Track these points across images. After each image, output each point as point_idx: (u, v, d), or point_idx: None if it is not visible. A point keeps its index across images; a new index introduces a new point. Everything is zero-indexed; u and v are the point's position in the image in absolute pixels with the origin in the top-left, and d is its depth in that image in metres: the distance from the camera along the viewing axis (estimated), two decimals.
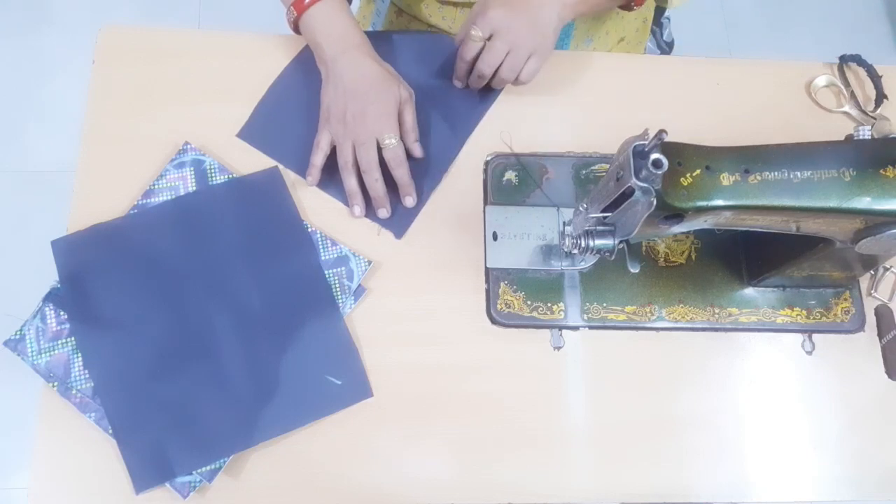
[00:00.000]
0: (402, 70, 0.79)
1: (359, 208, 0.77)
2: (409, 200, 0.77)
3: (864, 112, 0.86)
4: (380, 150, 0.74)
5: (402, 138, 0.76)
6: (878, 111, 0.86)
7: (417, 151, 0.78)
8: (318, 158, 0.77)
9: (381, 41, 0.81)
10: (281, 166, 0.78)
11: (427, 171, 0.79)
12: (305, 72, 0.82)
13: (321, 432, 0.71)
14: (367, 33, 0.79)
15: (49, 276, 0.72)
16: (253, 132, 0.80)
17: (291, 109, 0.81)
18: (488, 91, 0.82)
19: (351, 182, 0.76)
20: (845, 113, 0.86)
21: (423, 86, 0.81)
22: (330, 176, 0.78)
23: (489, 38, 0.74)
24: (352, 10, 0.78)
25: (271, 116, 0.80)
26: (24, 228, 1.57)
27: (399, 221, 0.78)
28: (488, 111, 0.82)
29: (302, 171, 0.78)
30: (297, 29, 0.78)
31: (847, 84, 0.87)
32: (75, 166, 0.77)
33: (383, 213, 0.77)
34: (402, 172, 0.76)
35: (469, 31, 0.75)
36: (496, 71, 0.76)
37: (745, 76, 0.87)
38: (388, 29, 1.00)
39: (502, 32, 0.73)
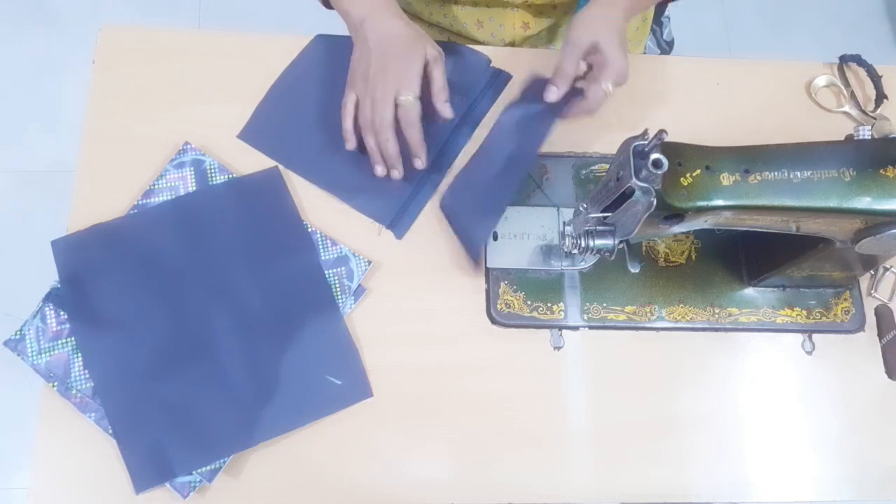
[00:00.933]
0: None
1: (380, 167, 0.75)
2: (418, 162, 0.75)
3: (864, 112, 0.86)
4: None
5: (432, 98, 0.73)
6: (878, 111, 0.86)
7: (447, 112, 0.74)
8: (348, 122, 0.75)
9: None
10: (281, 167, 0.78)
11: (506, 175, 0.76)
12: (307, 72, 0.82)
13: (321, 432, 0.71)
14: None
15: (49, 276, 0.72)
16: (254, 133, 0.80)
17: (293, 110, 0.81)
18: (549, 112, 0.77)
19: (370, 141, 0.74)
20: (845, 113, 0.86)
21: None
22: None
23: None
24: None
25: (272, 117, 0.80)
26: (24, 228, 1.57)
27: (400, 221, 0.78)
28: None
29: (304, 172, 0.78)
30: (326, 2, 0.77)
31: (847, 84, 0.87)
32: (75, 166, 0.77)
33: (396, 174, 0.75)
34: (412, 132, 0.73)
35: (602, 85, 0.72)
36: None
37: (745, 76, 0.87)
38: None
39: (622, 81, 0.72)
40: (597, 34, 0.71)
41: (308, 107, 0.80)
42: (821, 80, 0.87)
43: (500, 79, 0.84)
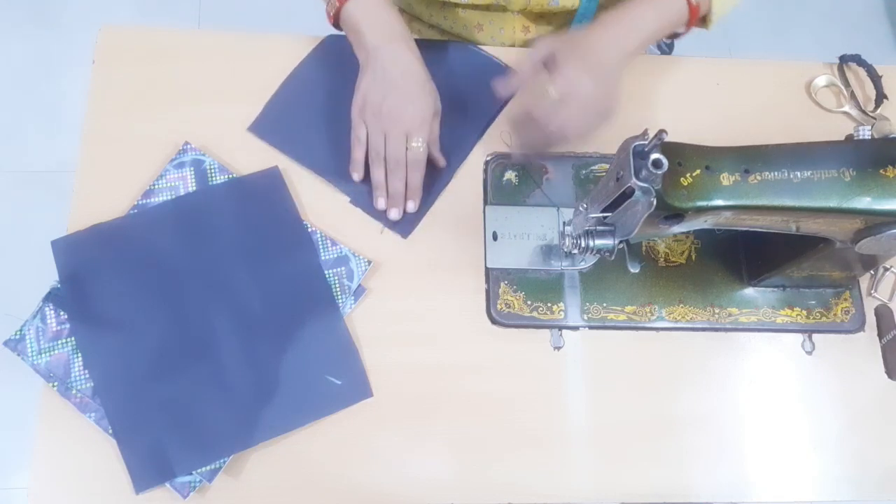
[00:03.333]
0: None
1: (383, 200, 0.76)
2: (412, 205, 0.77)
3: (864, 112, 0.86)
4: None
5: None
6: (878, 111, 0.86)
7: (442, 161, 0.79)
8: (360, 153, 0.76)
9: None
10: (292, 162, 0.78)
11: (437, 173, 0.79)
12: (319, 70, 0.82)
13: (321, 432, 0.71)
14: None
15: (49, 276, 0.72)
16: (265, 127, 0.80)
17: (304, 106, 0.81)
18: (494, 98, 0.81)
19: (379, 174, 0.75)
20: (845, 113, 0.86)
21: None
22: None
23: (559, 97, 0.71)
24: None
25: (284, 111, 0.81)
26: (24, 228, 1.57)
27: (406, 221, 0.78)
28: (496, 117, 0.83)
29: (314, 166, 0.78)
30: (336, 21, 0.76)
31: (847, 84, 0.87)
32: (75, 166, 0.77)
33: (395, 213, 0.77)
34: (418, 176, 0.76)
35: (546, 87, 0.71)
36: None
37: (745, 76, 0.87)
38: None
39: (577, 96, 0.70)
40: (561, 48, 0.72)
41: (319, 103, 0.81)
42: (821, 80, 0.87)
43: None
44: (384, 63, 0.73)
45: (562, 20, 0.90)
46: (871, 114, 0.86)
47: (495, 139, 0.82)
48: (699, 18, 0.77)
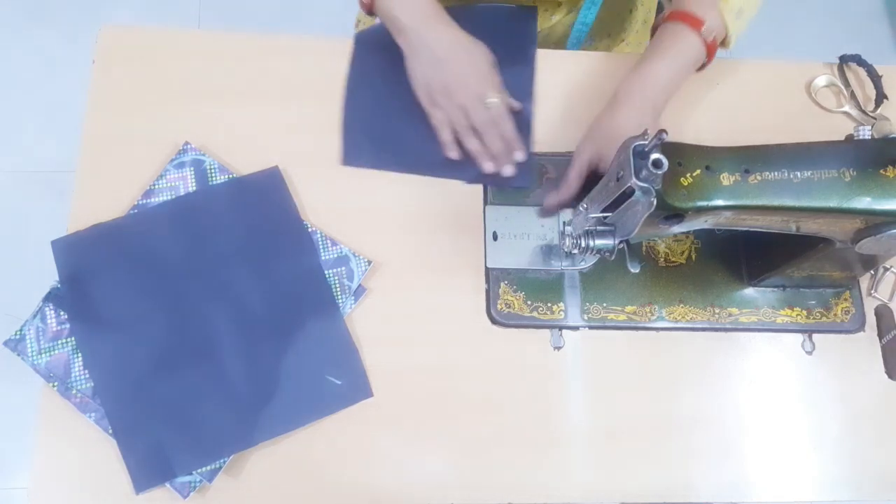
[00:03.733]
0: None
1: (490, 164, 0.77)
2: (520, 155, 0.78)
3: (864, 112, 0.86)
4: None
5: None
6: (879, 111, 0.86)
7: (516, 104, 0.79)
8: (447, 134, 0.77)
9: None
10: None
11: (517, 116, 0.79)
12: (369, 73, 0.82)
13: (321, 432, 0.71)
14: None
15: (49, 276, 0.72)
16: (354, 155, 0.79)
17: (375, 116, 0.81)
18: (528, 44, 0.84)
19: (474, 144, 0.77)
20: (845, 113, 0.86)
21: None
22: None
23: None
24: None
25: (362, 132, 0.80)
26: (24, 228, 1.57)
27: (522, 173, 0.78)
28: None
29: (417, 167, 0.79)
30: (370, 8, 0.77)
31: (847, 84, 0.87)
32: (75, 166, 0.77)
33: (508, 169, 0.77)
34: (509, 126, 0.77)
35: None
36: None
37: (745, 76, 0.87)
38: None
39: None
40: (601, 145, 0.73)
41: (387, 107, 0.81)
42: (821, 80, 0.87)
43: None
44: (428, 42, 0.74)
45: (567, 8, 0.90)
46: (871, 114, 0.86)
47: None
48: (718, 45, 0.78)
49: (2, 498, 1.43)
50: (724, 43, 0.78)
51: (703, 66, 0.79)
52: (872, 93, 0.86)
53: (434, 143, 0.79)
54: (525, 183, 0.79)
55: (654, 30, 0.80)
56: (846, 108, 0.86)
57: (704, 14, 0.75)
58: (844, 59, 0.88)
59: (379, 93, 0.81)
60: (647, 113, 0.74)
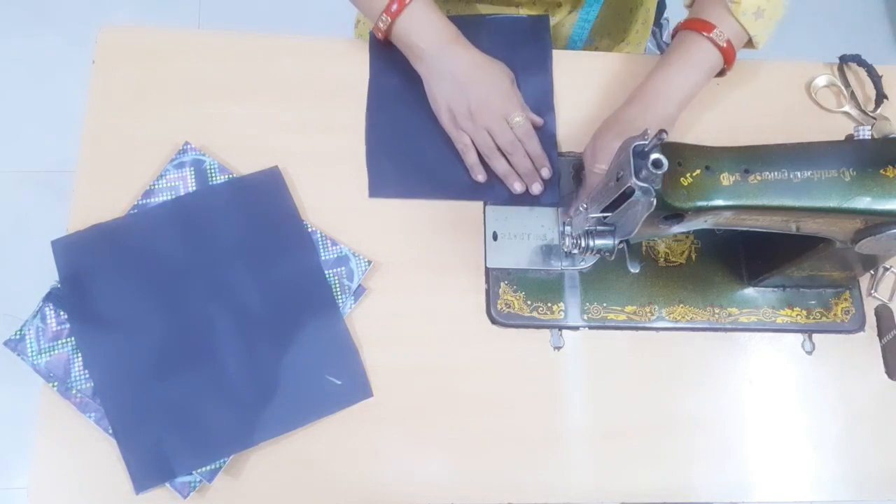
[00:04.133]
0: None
1: (519, 184, 0.77)
2: (546, 172, 0.78)
3: (864, 112, 0.86)
4: None
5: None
6: (878, 111, 0.86)
7: (539, 120, 0.79)
8: (473, 156, 0.77)
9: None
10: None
11: (541, 131, 0.79)
12: (387, 101, 0.81)
13: (321, 432, 0.71)
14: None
15: (49, 276, 0.72)
16: (380, 187, 0.78)
17: (397, 144, 0.80)
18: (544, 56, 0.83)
19: (502, 165, 0.77)
20: (845, 113, 0.86)
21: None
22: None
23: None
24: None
25: (386, 162, 0.79)
26: (24, 228, 1.57)
27: (549, 191, 0.78)
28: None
29: (444, 193, 0.79)
30: (386, 36, 0.77)
31: (847, 84, 0.87)
32: (75, 166, 0.77)
33: (536, 188, 0.77)
34: (535, 144, 0.77)
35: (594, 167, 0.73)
36: None
37: (745, 76, 0.87)
38: None
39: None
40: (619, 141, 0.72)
41: (408, 134, 0.80)
42: (821, 80, 0.87)
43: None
44: (448, 67, 0.75)
45: (567, 9, 0.90)
46: (871, 114, 0.86)
47: None
48: (743, 46, 0.78)
49: (2, 498, 1.43)
50: (750, 44, 0.78)
51: (722, 72, 0.79)
52: (872, 93, 0.86)
53: (458, 167, 0.79)
54: (553, 199, 0.79)
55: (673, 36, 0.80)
56: (846, 108, 0.86)
57: (716, 19, 0.75)
58: (844, 60, 0.88)
59: (399, 121, 0.81)
60: (664, 119, 0.74)
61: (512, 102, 0.76)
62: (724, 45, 0.75)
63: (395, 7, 0.74)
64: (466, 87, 0.74)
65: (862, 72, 0.87)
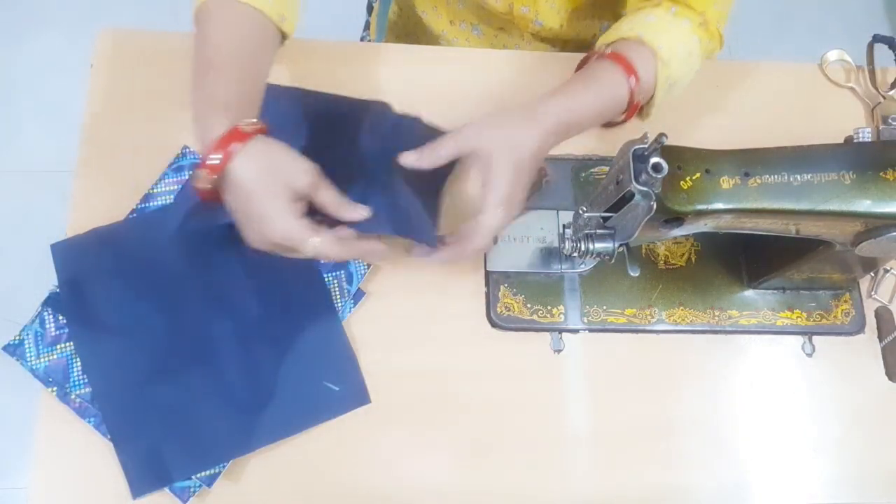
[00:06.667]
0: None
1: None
2: (362, 212, 0.64)
3: (875, 88, 0.86)
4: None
5: (336, 214, 0.62)
6: (892, 93, 0.86)
7: (357, 214, 0.63)
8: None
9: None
10: None
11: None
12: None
13: (321, 437, 0.70)
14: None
15: (48, 280, 0.71)
16: None
17: None
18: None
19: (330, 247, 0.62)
20: (851, 88, 0.87)
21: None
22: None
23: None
24: None
25: None
26: (24, 229, 1.57)
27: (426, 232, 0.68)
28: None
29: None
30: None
31: (871, 62, 0.88)
32: (74, 168, 0.77)
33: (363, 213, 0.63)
34: (346, 251, 0.63)
35: (484, 219, 0.64)
36: None
37: (745, 77, 0.87)
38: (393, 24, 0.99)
39: (508, 215, 0.64)
40: (488, 144, 0.63)
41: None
42: (832, 55, 0.89)
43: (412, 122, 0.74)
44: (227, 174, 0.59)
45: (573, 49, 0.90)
46: (882, 92, 0.86)
47: None
48: (637, 111, 0.74)
49: (2, 498, 1.43)
50: (640, 113, 0.75)
51: (612, 125, 0.76)
52: (891, 78, 0.87)
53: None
54: (430, 242, 0.68)
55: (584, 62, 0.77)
56: (852, 84, 0.87)
57: (642, 70, 0.69)
58: (876, 40, 0.89)
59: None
60: (550, 141, 0.66)
61: (295, 232, 0.59)
62: (636, 101, 0.71)
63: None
64: (238, 203, 0.60)
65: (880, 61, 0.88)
